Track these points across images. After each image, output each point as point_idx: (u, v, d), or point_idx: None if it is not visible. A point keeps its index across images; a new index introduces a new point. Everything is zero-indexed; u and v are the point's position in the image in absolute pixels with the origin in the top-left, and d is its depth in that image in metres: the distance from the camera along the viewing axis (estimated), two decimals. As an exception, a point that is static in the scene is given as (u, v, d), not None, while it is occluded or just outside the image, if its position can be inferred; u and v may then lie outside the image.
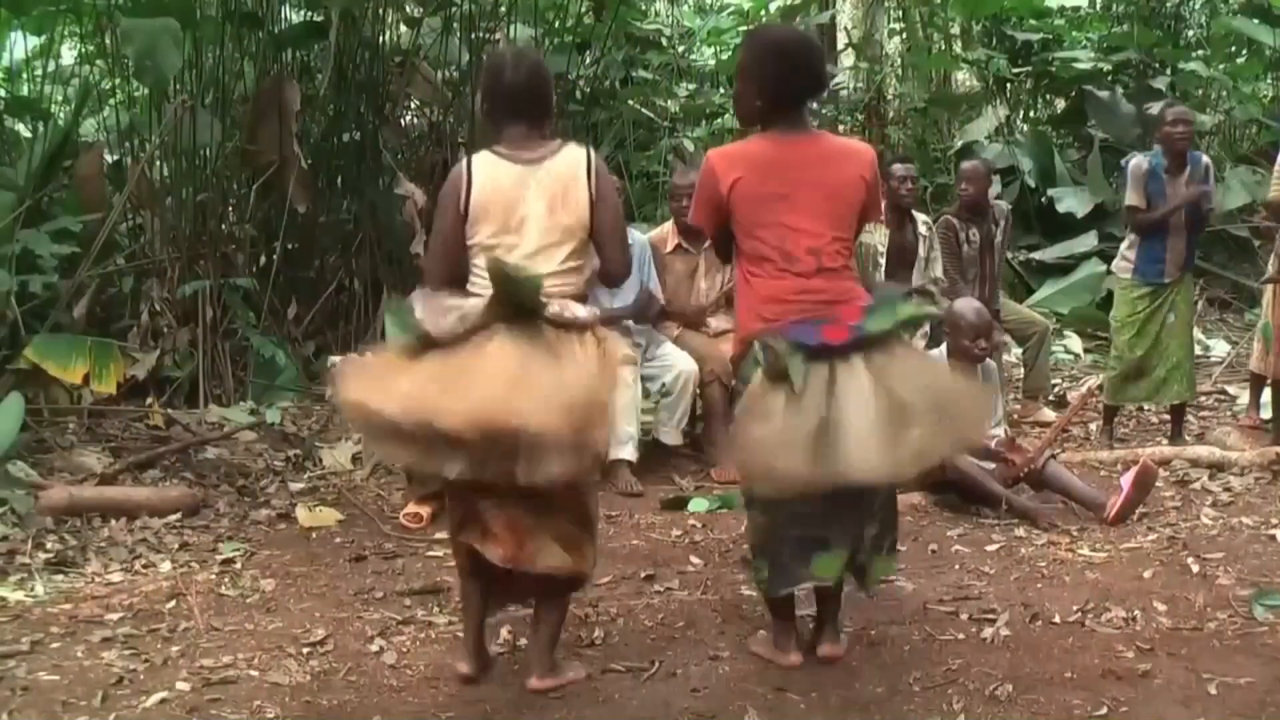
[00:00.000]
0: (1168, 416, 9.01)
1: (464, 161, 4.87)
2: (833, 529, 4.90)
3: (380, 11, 10.79)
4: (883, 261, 9.03)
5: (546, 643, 4.87)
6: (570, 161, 4.83)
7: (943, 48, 17.39)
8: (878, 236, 8.99)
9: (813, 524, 4.86)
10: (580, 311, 4.68)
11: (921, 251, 9.15)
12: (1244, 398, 9.77)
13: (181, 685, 4.86)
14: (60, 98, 11.07)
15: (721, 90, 15.08)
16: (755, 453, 4.71)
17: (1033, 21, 16.90)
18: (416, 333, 4.60)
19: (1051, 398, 9.96)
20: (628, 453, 7.89)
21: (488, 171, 4.79)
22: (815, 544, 4.91)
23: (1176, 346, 8.58)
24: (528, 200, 4.76)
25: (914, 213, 9.28)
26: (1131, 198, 8.53)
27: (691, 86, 14.84)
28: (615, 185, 5.14)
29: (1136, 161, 8.59)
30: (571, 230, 4.78)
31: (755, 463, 4.72)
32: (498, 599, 5.06)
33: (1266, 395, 8.81)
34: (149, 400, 8.64)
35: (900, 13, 17.57)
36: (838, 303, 4.84)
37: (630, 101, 13.50)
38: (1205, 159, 8.58)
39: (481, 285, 4.70)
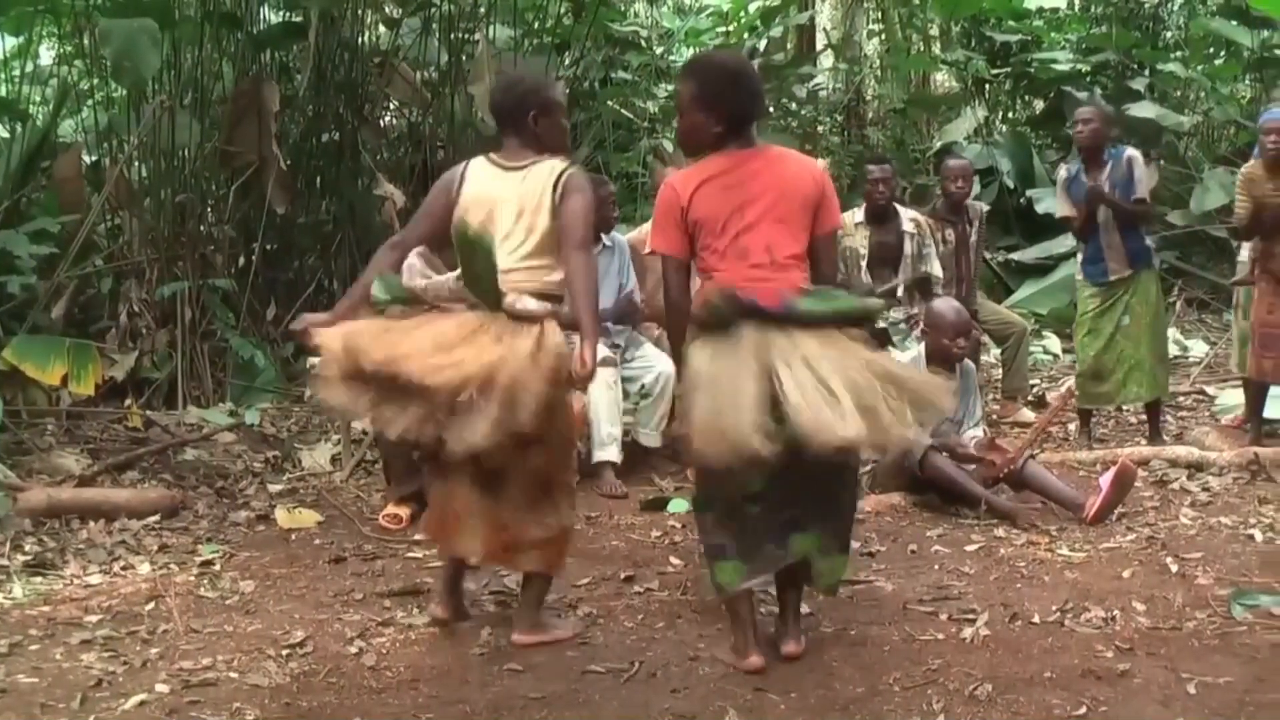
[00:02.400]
0: (1146, 417, 9.02)
1: (464, 164, 5.37)
2: (803, 508, 5.00)
3: (359, 12, 10.79)
4: (864, 264, 9.02)
5: (531, 603, 5.26)
6: (546, 170, 5.18)
7: (922, 49, 17.44)
8: (858, 239, 9.00)
9: (782, 505, 4.96)
10: (531, 304, 5.03)
11: (909, 249, 9.06)
12: (1222, 398, 9.80)
13: (161, 687, 4.84)
14: (38, 98, 11.07)
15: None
16: (707, 420, 4.73)
17: (1011, 23, 16.93)
18: (398, 293, 5.14)
19: (1030, 398, 9.97)
20: (611, 454, 7.88)
21: (477, 173, 5.27)
22: (790, 525, 5.01)
23: (1134, 348, 8.56)
24: (503, 201, 5.17)
25: (900, 209, 9.25)
26: (1061, 208, 8.69)
27: (671, 87, 14.79)
28: (586, 196, 5.25)
29: (1060, 172, 8.79)
30: (534, 230, 5.14)
31: (709, 430, 4.72)
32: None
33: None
34: (128, 402, 8.63)
35: (879, 14, 17.60)
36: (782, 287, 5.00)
37: (609, 102, 13.50)
38: (1128, 152, 8.55)
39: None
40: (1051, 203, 13.88)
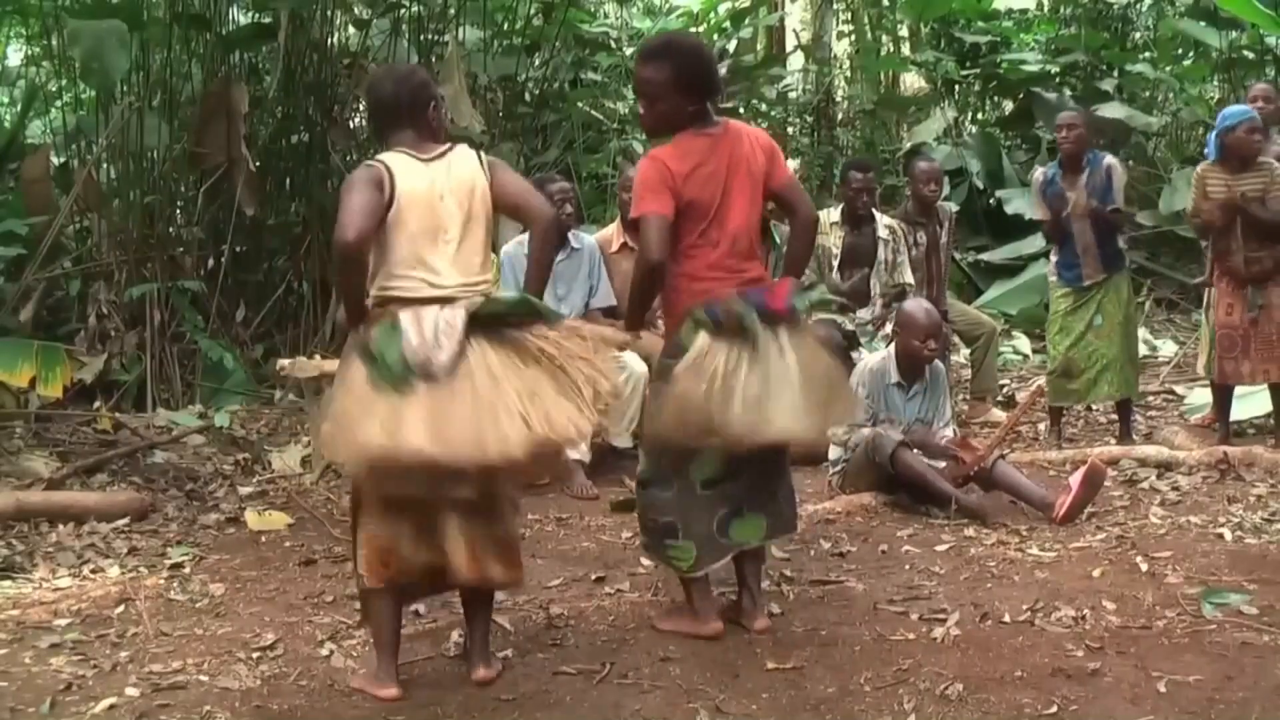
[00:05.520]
0: (1115, 416, 9.05)
1: (382, 159, 4.81)
2: (747, 496, 5.34)
3: (329, 13, 10.76)
4: (836, 263, 9.03)
5: (484, 638, 4.98)
6: (465, 156, 4.89)
7: (891, 50, 17.46)
8: (832, 239, 9.00)
9: (728, 493, 5.28)
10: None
11: (883, 254, 9.08)
12: (1191, 397, 9.83)
13: (130, 691, 4.83)
14: (6, 100, 11.02)
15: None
16: (693, 406, 4.92)
17: (981, 24, 16.96)
18: (411, 370, 4.52)
19: (1000, 398, 9.98)
20: (580, 454, 7.84)
21: (403, 168, 4.77)
22: (733, 513, 5.31)
23: (1106, 347, 8.58)
24: (443, 198, 4.79)
25: (876, 214, 9.24)
26: (1036, 211, 8.82)
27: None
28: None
29: (1036, 175, 8.84)
30: (475, 218, 4.82)
31: (692, 415, 4.92)
32: (410, 598, 5.14)
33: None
34: (97, 404, 8.61)
35: (849, 15, 17.62)
36: (760, 280, 5.30)
37: (579, 104, 13.48)
38: (1107, 159, 8.59)
39: (410, 285, 4.72)
40: (1021, 203, 14.00)
